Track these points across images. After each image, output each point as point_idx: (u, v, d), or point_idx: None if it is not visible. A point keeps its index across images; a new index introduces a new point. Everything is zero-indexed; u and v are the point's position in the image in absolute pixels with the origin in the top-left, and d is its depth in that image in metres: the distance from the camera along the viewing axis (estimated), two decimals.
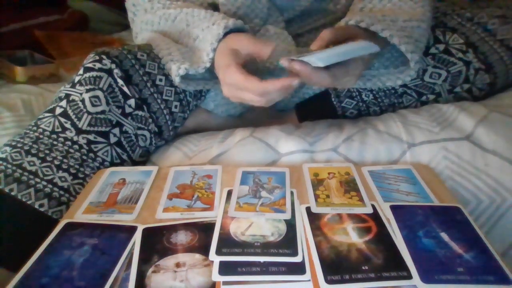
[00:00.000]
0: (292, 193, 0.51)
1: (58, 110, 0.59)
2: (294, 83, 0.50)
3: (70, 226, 0.46)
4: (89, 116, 0.59)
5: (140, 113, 0.63)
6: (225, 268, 0.39)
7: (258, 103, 0.54)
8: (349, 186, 0.53)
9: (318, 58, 0.48)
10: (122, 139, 0.62)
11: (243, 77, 0.52)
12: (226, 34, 0.60)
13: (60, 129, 0.58)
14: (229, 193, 0.51)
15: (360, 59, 0.55)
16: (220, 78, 0.57)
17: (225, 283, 0.38)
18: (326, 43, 0.53)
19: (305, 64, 0.49)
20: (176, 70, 0.61)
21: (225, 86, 0.56)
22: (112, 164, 0.61)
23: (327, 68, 0.50)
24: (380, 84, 0.67)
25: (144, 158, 0.67)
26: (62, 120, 0.58)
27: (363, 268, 0.39)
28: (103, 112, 0.60)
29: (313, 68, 0.49)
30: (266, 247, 0.42)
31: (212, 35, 0.59)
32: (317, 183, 0.53)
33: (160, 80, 0.66)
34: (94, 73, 0.60)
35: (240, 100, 0.55)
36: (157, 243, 0.43)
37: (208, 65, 0.60)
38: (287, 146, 0.63)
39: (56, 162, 0.57)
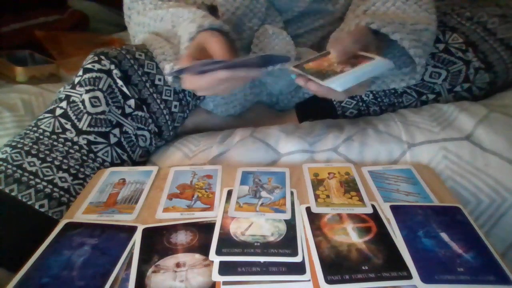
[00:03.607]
0: (292, 193, 0.51)
1: (58, 111, 0.59)
2: (220, 76, 0.50)
3: (70, 226, 0.46)
4: (89, 117, 0.59)
5: (140, 113, 0.63)
6: (225, 268, 0.39)
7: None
8: (349, 186, 0.53)
9: (337, 84, 0.49)
10: (122, 139, 0.62)
11: (184, 64, 0.52)
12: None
13: (60, 130, 0.58)
14: (229, 193, 0.51)
15: None
16: None
17: (225, 283, 0.38)
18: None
19: (321, 86, 0.50)
20: (169, 70, 0.61)
21: None
22: (112, 164, 0.61)
23: None
24: (385, 86, 0.67)
25: (144, 158, 0.67)
26: (62, 120, 0.58)
27: (363, 268, 0.39)
28: (103, 112, 0.60)
29: (329, 88, 0.50)
30: (266, 247, 0.42)
31: (186, 33, 0.58)
32: (317, 183, 0.53)
33: (159, 79, 0.66)
34: (94, 74, 0.60)
35: None
36: (157, 243, 0.43)
37: None
38: (287, 146, 0.63)
39: (56, 163, 0.57)
